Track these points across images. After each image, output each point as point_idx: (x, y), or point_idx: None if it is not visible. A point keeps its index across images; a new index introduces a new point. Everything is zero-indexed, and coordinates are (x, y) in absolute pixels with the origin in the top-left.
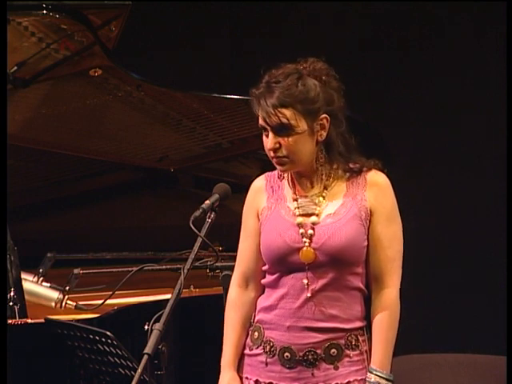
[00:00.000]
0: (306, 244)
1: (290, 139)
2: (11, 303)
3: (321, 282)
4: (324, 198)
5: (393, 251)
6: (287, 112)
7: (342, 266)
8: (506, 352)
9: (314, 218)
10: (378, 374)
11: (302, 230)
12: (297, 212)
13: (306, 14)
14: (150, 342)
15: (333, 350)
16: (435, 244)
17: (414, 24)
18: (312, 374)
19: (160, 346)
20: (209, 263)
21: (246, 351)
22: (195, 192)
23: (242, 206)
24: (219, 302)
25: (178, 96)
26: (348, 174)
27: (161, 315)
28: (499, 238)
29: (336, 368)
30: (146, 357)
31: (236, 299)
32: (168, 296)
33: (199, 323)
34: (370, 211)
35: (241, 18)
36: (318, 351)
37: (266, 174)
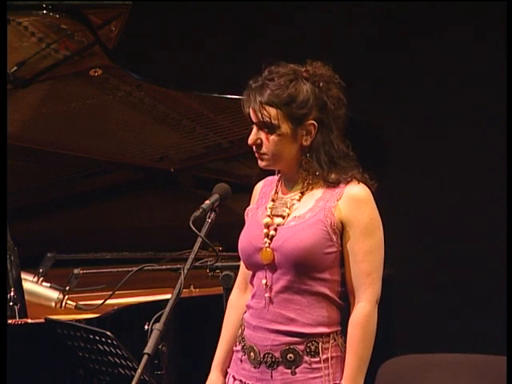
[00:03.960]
0: (266, 244)
1: (271, 138)
2: (11, 303)
3: (279, 284)
4: (298, 201)
5: (368, 265)
6: (272, 111)
7: (300, 270)
8: (506, 352)
9: (279, 220)
10: None
11: (265, 230)
12: (268, 212)
13: (306, 14)
14: (150, 342)
15: (289, 355)
16: (435, 244)
17: (414, 24)
18: (271, 376)
19: (160, 346)
20: (209, 263)
21: (234, 347)
22: (195, 192)
23: (242, 206)
24: (219, 302)
25: (178, 96)
26: (327, 183)
27: (161, 315)
28: (499, 238)
29: (293, 373)
30: (145, 357)
31: (234, 301)
32: (168, 296)
33: (199, 323)
34: (343, 223)
35: (241, 18)
36: (276, 354)
37: (268, 177)
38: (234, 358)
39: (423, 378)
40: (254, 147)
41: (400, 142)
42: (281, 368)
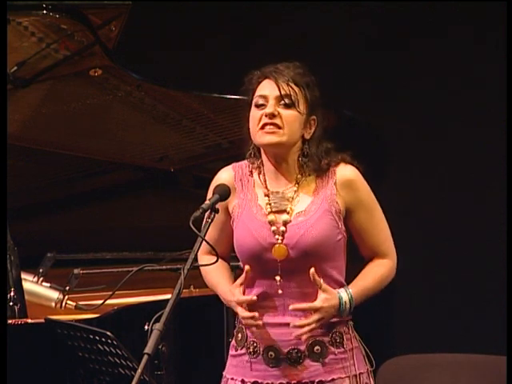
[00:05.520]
0: (279, 241)
1: (291, 112)
2: (11, 303)
3: (296, 279)
4: (295, 192)
5: (383, 234)
6: (297, 90)
7: (316, 262)
8: (506, 352)
9: (285, 217)
10: (350, 295)
11: (273, 228)
12: (268, 209)
13: (306, 14)
14: (150, 342)
15: (316, 347)
16: (435, 244)
17: (414, 24)
18: (296, 371)
19: (160, 346)
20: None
21: (232, 352)
22: (195, 192)
23: None
24: (219, 301)
25: (178, 96)
26: (318, 170)
27: (161, 315)
28: (499, 238)
29: (321, 365)
30: (146, 357)
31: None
32: (168, 296)
33: (199, 323)
34: (347, 209)
35: (241, 18)
36: (302, 348)
37: (233, 165)
38: (234, 362)
39: (423, 378)
40: (266, 119)
41: (400, 142)
42: (307, 361)
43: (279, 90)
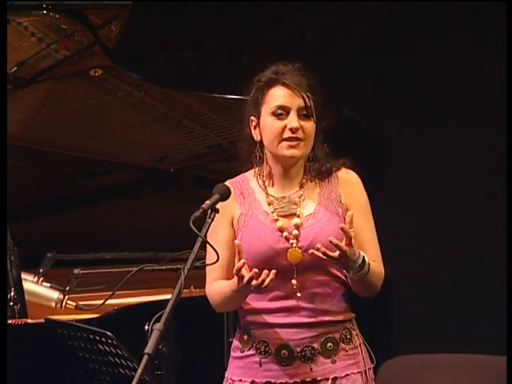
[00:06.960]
0: (294, 245)
1: (310, 123)
2: (11, 303)
3: (310, 280)
4: (301, 196)
5: (374, 240)
6: (311, 97)
7: (327, 263)
8: (506, 352)
9: (296, 220)
10: (368, 261)
11: (285, 233)
12: (275, 215)
13: (306, 14)
14: (150, 342)
15: (329, 344)
16: (435, 244)
17: (414, 24)
18: (310, 368)
19: (160, 346)
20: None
21: (237, 354)
22: (195, 192)
23: None
24: None
25: (178, 96)
26: (321, 175)
27: (161, 315)
28: (499, 238)
29: (333, 362)
30: (146, 357)
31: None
32: (168, 296)
33: (199, 323)
34: (346, 208)
35: (241, 18)
36: (315, 345)
37: (229, 181)
38: (241, 364)
39: (424, 378)
40: (290, 133)
41: (400, 142)
42: (320, 359)
43: (304, 101)
